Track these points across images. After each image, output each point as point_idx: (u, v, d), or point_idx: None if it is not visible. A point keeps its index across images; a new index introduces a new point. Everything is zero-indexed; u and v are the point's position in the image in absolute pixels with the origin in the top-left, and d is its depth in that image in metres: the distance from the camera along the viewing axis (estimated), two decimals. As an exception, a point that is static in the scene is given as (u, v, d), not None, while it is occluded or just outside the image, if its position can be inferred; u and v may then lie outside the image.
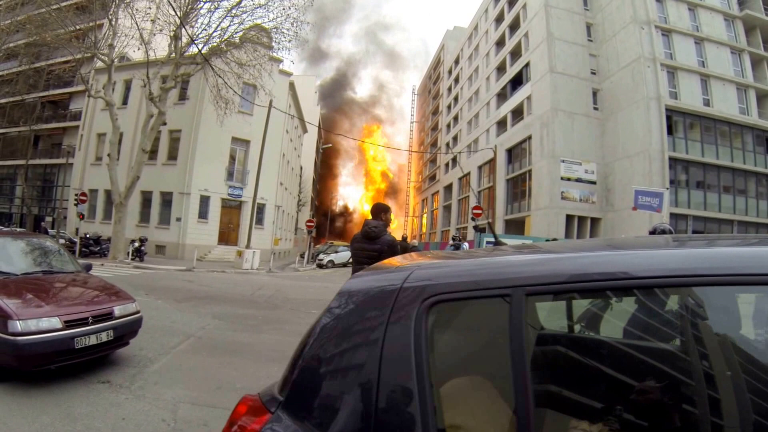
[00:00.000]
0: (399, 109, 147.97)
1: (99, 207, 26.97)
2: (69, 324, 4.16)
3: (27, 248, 5.59)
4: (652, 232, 4.85)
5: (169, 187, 25.35)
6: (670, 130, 26.44)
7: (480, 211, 23.55)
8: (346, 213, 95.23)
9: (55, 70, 23.09)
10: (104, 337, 4.47)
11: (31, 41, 18.62)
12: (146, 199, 25.79)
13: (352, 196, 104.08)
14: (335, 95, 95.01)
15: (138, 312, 5.04)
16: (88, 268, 5.98)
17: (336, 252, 28.88)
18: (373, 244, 4.49)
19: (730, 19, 28.81)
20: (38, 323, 3.98)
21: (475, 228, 23.00)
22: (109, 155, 18.71)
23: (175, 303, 8.79)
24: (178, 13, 16.37)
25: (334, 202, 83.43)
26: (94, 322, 4.38)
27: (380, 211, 4.75)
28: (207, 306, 8.88)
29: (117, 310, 4.70)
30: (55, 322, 4.07)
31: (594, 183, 30.06)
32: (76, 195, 20.21)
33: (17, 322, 3.86)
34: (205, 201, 25.51)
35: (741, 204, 27.08)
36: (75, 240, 20.15)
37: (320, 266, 26.11)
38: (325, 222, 64.92)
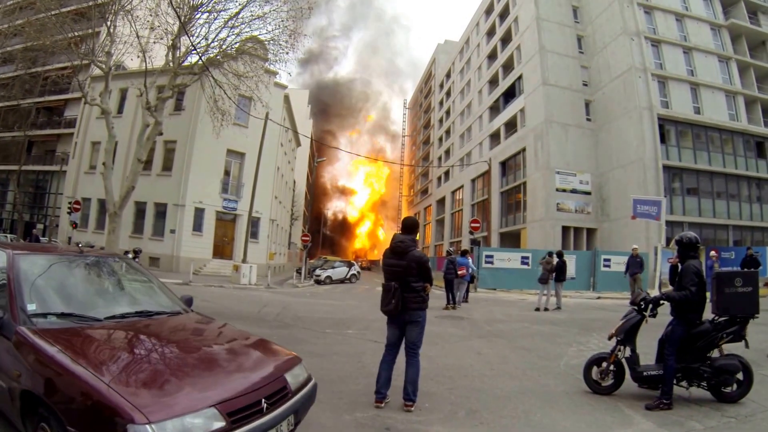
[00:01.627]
0: (390, 122, 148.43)
1: (92, 216, 26.46)
2: (235, 417, 2.32)
3: (103, 274, 3.78)
4: (679, 241, 4.76)
5: (163, 198, 24.95)
6: (663, 139, 26.75)
7: (477, 225, 23.46)
8: (339, 227, 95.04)
9: (52, 76, 22.86)
10: (285, 429, 2.66)
11: (29, 46, 18.37)
12: (140, 209, 25.36)
13: (345, 209, 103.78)
14: (324, 109, 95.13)
15: (310, 378, 3.23)
16: (189, 302, 3.99)
17: (333, 267, 28.44)
18: (400, 259, 4.36)
19: (716, 29, 29.50)
20: (183, 423, 2.10)
21: (473, 242, 22.87)
22: (104, 164, 18.29)
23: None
24: (181, 19, 16.21)
25: (326, 216, 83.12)
26: (269, 406, 2.56)
27: (409, 227, 4.63)
28: (213, 322, 8.50)
29: (290, 380, 2.90)
30: (212, 418, 2.23)
31: (589, 193, 30.21)
32: (69, 203, 19.80)
33: (147, 427, 1.97)
34: (199, 213, 25.13)
35: (735, 209, 27.38)
36: (67, 251, 19.62)
37: (318, 282, 25.69)
38: (318, 236, 64.52)
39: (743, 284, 4.59)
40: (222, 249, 26.26)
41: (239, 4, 18.97)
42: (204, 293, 14.41)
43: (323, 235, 71.00)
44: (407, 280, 4.29)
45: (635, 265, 14.99)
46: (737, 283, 4.60)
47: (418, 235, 4.65)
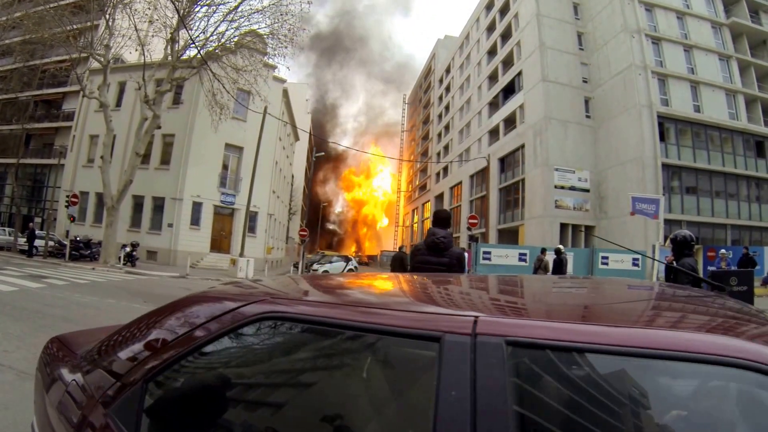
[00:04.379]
0: (390, 118, 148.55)
1: (90, 210, 26.48)
2: None
3: None
4: (673, 239, 4.72)
5: (161, 192, 24.97)
6: (662, 137, 26.71)
7: (475, 221, 23.42)
8: (336, 223, 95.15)
9: (50, 69, 22.85)
10: None
11: (27, 39, 18.37)
12: (138, 203, 25.38)
13: (344, 205, 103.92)
14: (325, 105, 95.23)
15: None
16: None
17: (330, 262, 28.45)
18: (440, 257, 4.07)
19: (717, 27, 29.42)
20: None
21: (471, 238, 22.79)
22: (102, 157, 18.39)
23: (176, 310, 8.39)
24: (180, 12, 16.18)
25: (326, 211, 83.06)
26: None
27: (447, 219, 4.35)
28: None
29: None
30: None
31: (587, 191, 30.18)
32: (67, 197, 19.81)
33: None
34: (197, 207, 25.15)
35: (733, 208, 27.38)
36: (65, 243, 19.69)
37: (315, 277, 25.66)
38: (316, 231, 64.48)
39: (738, 283, 4.58)
40: (219, 243, 26.28)
41: (238, -2, 18.98)
42: (201, 286, 14.35)
43: (321, 231, 70.90)
44: None
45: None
46: (732, 282, 4.59)
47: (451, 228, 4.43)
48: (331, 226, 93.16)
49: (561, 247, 14.32)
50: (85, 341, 1.73)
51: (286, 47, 19.76)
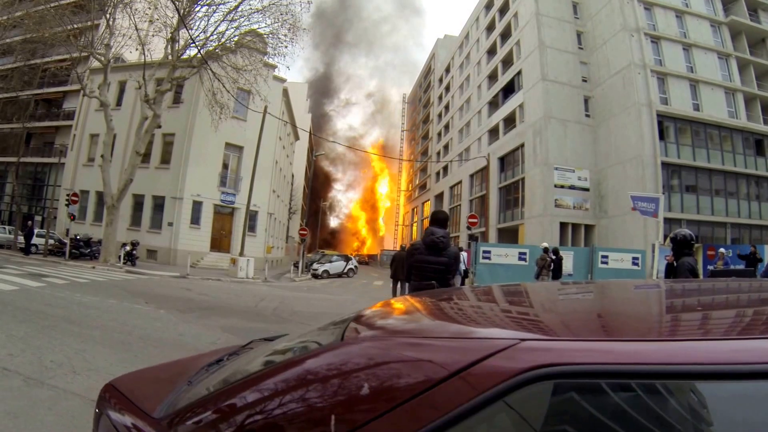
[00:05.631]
0: (390, 117, 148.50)
1: (90, 208, 26.54)
2: None
3: None
4: (673, 239, 4.73)
5: (161, 191, 25.01)
6: (662, 136, 26.74)
7: (475, 220, 23.44)
8: (336, 221, 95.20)
9: (51, 68, 22.94)
10: None
11: (28, 38, 18.44)
12: (138, 202, 25.43)
13: (343, 203, 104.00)
14: (324, 104, 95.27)
15: None
16: None
17: (330, 262, 28.51)
18: (439, 256, 4.16)
19: (716, 25, 29.45)
20: None
21: (470, 237, 22.79)
22: (102, 156, 18.44)
23: (179, 314, 8.35)
24: (180, 12, 16.21)
25: (325, 209, 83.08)
26: None
27: (445, 220, 4.43)
28: (212, 318, 8.42)
29: None
30: None
31: (587, 190, 30.20)
32: (67, 195, 19.85)
33: None
34: (197, 206, 25.19)
35: (733, 206, 27.39)
36: (65, 241, 19.71)
37: (315, 276, 25.74)
38: (315, 230, 64.44)
39: None
40: (219, 242, 26.31)
41: (238, -3, 18.99)
42: (201, 287, 14.42)
43: (321, 230, 70.90)
44: (446, 277, 4.14)
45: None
46: None
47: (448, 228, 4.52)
48: (331, 225, 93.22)
49: (557, 248, 14.47)
50: (150, 392, 1.28)
51: (286, 47, 19.80)
